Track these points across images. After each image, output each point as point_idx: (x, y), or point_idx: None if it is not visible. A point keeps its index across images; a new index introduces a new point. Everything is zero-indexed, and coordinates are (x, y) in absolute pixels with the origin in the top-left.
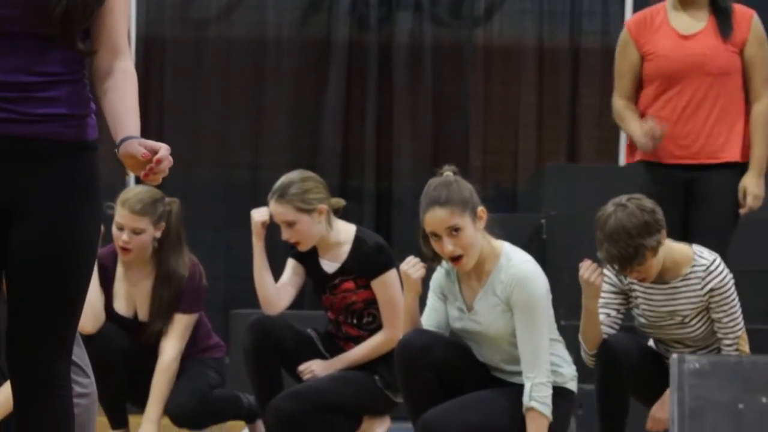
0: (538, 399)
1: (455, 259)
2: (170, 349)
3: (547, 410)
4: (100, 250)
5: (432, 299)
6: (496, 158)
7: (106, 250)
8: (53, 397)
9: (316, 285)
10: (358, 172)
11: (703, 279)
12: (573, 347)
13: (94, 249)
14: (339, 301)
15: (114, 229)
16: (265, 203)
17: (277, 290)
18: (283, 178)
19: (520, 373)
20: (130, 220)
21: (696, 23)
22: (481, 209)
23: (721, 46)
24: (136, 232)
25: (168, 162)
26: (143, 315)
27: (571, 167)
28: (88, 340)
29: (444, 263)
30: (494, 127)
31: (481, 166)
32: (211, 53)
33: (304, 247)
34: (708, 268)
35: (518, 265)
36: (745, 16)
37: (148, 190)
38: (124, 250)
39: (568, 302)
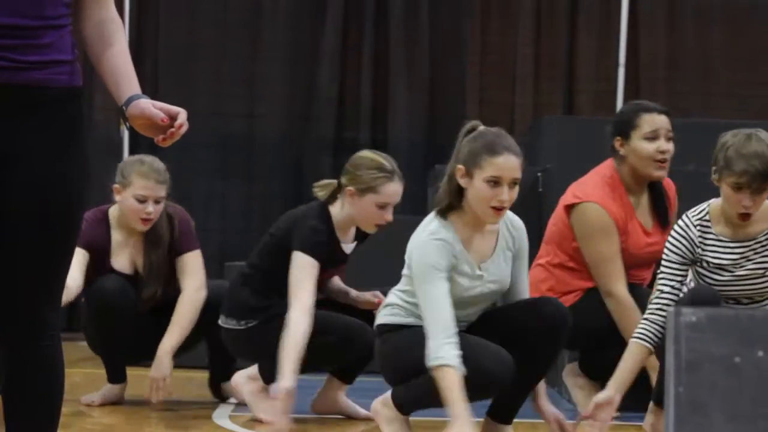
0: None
1: (499, 209)
2: (191, 282)
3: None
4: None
5: (442, 284)
6: (492, 110)
7: (91, 214)
8: (43, 348)
9: (326, 265)
10: (353, 122)
11: None
12: None
13: (84, 198)
14: (336, 272)
15: (132, 202)
16: (260, 154)
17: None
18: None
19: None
20: (156, 191)
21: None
22: None
23: None
24: (158, 201)
25: (186, 127)
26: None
27: (568, 120)
28: (97, 291)
29: (440, 239)
30: (491, 79)
31: (478, 117)
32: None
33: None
34: None
35: (512, 215)
36: None
37: (156, 159)
38: (145, 221)
39: None
